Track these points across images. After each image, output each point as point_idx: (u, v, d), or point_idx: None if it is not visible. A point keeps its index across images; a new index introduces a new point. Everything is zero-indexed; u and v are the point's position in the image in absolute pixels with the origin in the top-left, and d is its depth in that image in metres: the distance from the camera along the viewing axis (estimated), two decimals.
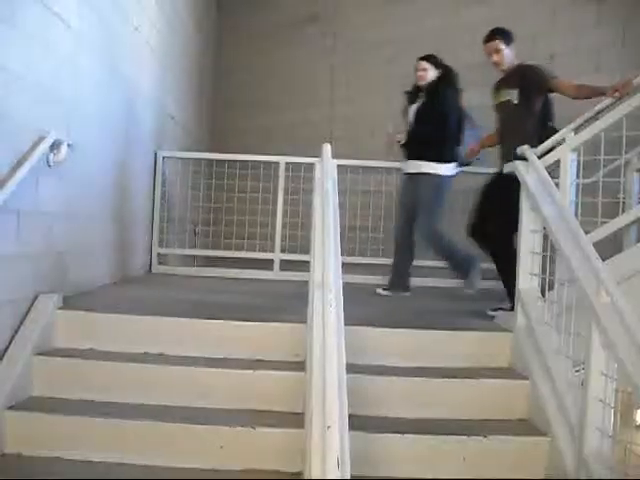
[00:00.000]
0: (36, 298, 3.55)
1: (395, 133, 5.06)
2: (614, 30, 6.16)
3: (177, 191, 6.48)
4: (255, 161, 6.32)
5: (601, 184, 3.71)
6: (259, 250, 6.33)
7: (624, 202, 4.12)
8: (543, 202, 3.41)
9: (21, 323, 3.40)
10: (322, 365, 2.26)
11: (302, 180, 5.92)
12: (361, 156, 6.18)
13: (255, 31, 8.66)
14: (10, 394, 3.07)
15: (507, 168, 3.95)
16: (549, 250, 3.47)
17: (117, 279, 5.13)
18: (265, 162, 6.34)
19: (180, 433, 2.98)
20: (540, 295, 3.60)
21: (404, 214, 5.15)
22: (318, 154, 3.86)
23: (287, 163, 6.21)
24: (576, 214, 3.62)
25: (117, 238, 5.13)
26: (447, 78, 5.03)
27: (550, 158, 3.78)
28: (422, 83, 5.06)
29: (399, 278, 5.14)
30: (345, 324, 2.70)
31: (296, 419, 2.87)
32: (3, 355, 3.21)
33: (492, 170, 4.50)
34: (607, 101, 3.70)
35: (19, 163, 3.29)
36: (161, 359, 3.43)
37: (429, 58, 5.08)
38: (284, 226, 6.16)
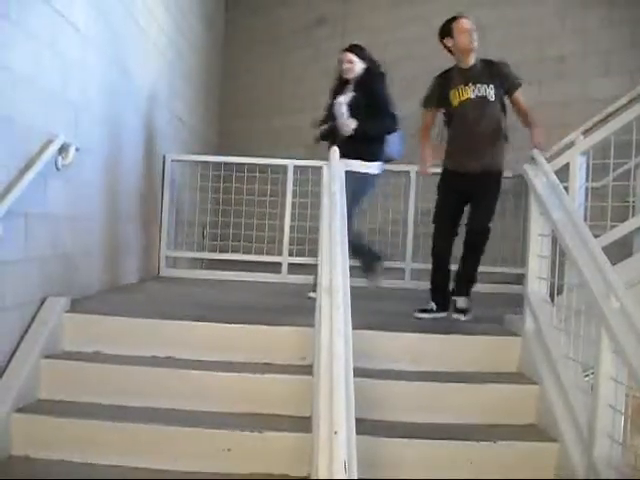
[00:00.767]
0: (44, 301, 3.56)
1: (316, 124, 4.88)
2: (624, 32, 6.13)
3: (185, 194, 6.49)
4: (263, 164, 6.33)
5: (611, 187, 3.69)
6: (267, 253, 6.31)
7: (634, 206, 4.09)
8: (552, 206, 3.39)
9: (29, 326, 3.41)
10: (329, 370, 2.25)
11: (310, 183, 5.91)
12: None
13: (264, 34, 8.68)
14: (18, 397, 3.07)
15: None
16: (558, 254, 3.45)
17: (125, 282, 5.14)
18: (273, 165, 6.34)
19: (187, 436, 2.98)
20: (549, 299, 3.58)
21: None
22: (326, 157, 3.85)
23: (295, 166, 6.21)
24: (585, 218, 3.60)
25: (125, 241, 5.14)
26: (379, 71, 4.74)
27: (559, 162, 3.76)
28: (350, 76, 4.74)
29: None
30: (353, 328, 2.68)
31: (304, 423, 2.86)
32: (11, 358, 3.21)
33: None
34: (617, 104, 3.68)
35: (27, 166, 3.30)
36: (169, 362, 3.43)
37: (355, 49, 4.75)
38: (292, 229, 6.15)
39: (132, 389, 3.25)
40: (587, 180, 3.77)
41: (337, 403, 2.08)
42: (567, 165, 3.75)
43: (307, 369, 3.07)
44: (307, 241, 5.84)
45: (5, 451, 2.95)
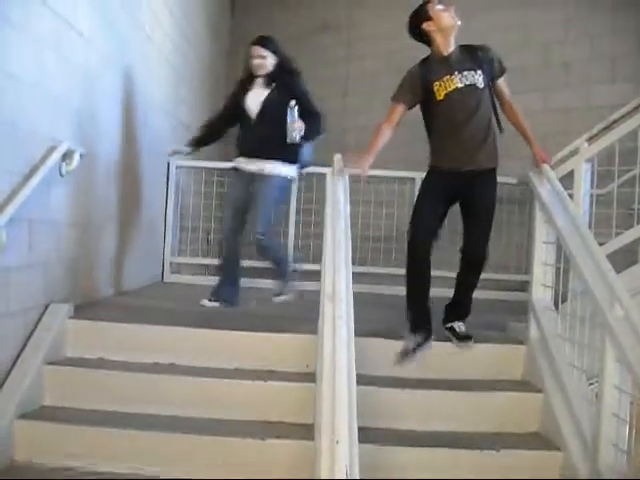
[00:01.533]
0: (47, 307, 3.56)
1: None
2: (629, 39, 6.11)
3: (190, 200, 6.49)
4: None
5: (615, 195, 3.68)
6: None
7: (639, 213, 4.07)
8: (557, 213, 3.38)
9: (32, 332, 3.41)
10: (332, 379, 2.24)
11: (315, 190, 5.90)
12: (373, 165, 6.15)
13: None
14: (21, 403, 3.08)
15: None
16: (562, 262, 3.43)
17: (129, 288, 5.14)
18: None
19: (190, 444, 2.97)
20: (553, 307, 3.57)
21: (238, 216, 4.51)
22: (330, 164, 3.85)
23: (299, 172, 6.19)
24: (590, 225, 3.59)
25: (128, 247, 5.14)
26: (293, 67, 4.43)
27: (564, 169, 3.75)
28: (262, 72, 4.35)
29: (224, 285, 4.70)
30: (356, 335, 2.68)
31: (306, 430, 2.86)
32: (14, 364, 3.22)
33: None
34: (622, 110, 3.67)
35: (31, 172, 3.30)
36: (172, 369, 3.42)
37: (266, 42, 4.35)
38: (296, 236, 6.14)
39: (135, 396, 3.25)
40: (592, 187, 3.75)
41: (339, 412, 2.08)
42: (572, 172, 3.74)
43: (310, 377, 3.07)
44: (312, 247, 5.83)
45: (8, 457, 2.96)
